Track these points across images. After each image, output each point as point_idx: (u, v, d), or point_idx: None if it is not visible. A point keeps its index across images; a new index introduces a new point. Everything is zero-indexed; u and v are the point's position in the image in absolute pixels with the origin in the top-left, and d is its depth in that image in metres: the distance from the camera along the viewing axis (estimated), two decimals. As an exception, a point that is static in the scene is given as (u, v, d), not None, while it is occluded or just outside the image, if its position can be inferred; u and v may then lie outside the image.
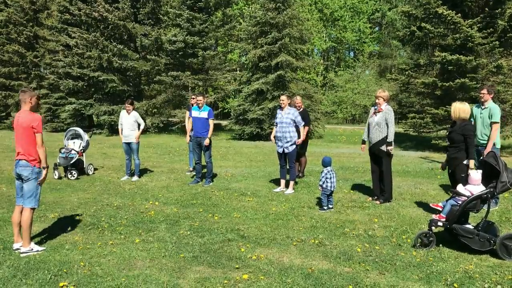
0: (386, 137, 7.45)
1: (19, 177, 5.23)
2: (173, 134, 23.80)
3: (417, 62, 18.18)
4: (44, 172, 5.28)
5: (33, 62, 27.40)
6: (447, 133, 6.91)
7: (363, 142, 8.06)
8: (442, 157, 13.85)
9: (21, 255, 5.06)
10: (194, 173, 10.51)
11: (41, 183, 5.31)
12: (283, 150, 8.56)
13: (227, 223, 6.47)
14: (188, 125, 10.09)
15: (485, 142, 7.29)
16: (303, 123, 8.73)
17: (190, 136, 10.29)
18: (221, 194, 8.52)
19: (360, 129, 29.89)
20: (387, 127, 7.44)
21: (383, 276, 4.50)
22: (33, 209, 5.23)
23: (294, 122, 8.50)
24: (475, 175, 5.42)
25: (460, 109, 6.46)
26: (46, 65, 27.52)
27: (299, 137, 8.89)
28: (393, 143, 7.49)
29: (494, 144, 7.25)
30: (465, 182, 5.61)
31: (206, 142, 9.18)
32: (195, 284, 4.32)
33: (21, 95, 5.25)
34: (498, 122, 7.22)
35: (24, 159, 5.16)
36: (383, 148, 7.49)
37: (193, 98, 10.73)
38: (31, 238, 5.33)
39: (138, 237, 5.79)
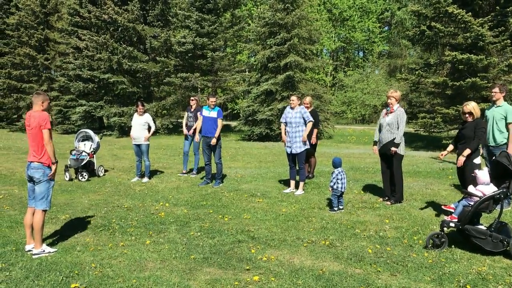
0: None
1: (31, 179, 5.28)
2: (183, 135, 23.83)
3: (427, 62, 18.07)
4: (53, 167, 5.31)
5: (44, 65, 27.65)
6: (459, 131, 6.85)
7: (375, 143, 7.97)
8: (453, 157, 13.69)
9: (33, 256, 5.10)
10: (187, 174, 10.68)
11: (51, 178, 5.35)
12: (291, 151, 8.53)
13: (237, 224, 6.47)
14: (198, 124, 9.99)
15: (497, 143, 7.22)
16: (311, 119, 8.55)
17: (188, 135, 10.78)
18: (231, 195, 8.52)
19: (370, 129, 29.75)
20: (398, 128, 7.38)
21: (395, 278, 4.47)
22: (44, 211, 5.27)
23: (304, 120, 8.46)
24: (482, 174, 5.39)
25: (477, 107, 6.64)
26: (56, 68, 27.76)
27: (311, 135, 8.88)
28: (400, 145, 7.42)
29: (498, 140, 7.21)
30: (475, 181, 5.56)
31: (213, 142, 9.19)
32: (206, 285, 4.32)
33: (35, 96, 5.33)
34: None
35: (36, 161, 5.20)
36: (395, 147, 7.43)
37: (192, 100, 10.79)
38: (43, 240, 5.37)
39: (148, 238, 5.81)
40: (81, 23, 24.85)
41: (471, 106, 6.61)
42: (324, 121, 21.43)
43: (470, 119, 6.63)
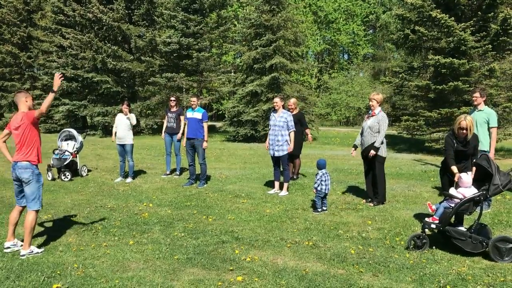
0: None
1: (18, 179, 5.19)
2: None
3: (411, 65, 18.26)
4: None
5: (27, 63, 27.29)
6: (457, 147, 6.07)
7: (354, 146, 8.06)
8: (435, 159, 13.92)
9: (21, 257, 5.02)
10: (170, 175, 10.65)
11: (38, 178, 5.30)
12: (274, 153, 8.57)
13: (221, 225, 6.48)
14: (185, 128, 9.93)
15: (482, 148, 7.34)
16: (293, 129, 8.56)
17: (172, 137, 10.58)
18: (215, 196, 8.52)
19: (354, 131, 29.97)
20: (379, 132, 7.47)
21: (377, 278, 4.52)
22: (37, 211, 5.21)
23: (287, 125, 8.50)
24: (466, 177, 5.48)
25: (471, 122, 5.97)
26: (39, 66, 27.43)
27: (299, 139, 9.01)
28: (381, 148, 7.50)
29: (483, 144, 7.32)
30: (456, 184, 5.65)
31: (204, 145, 9.23)
32: (189, 286, 4.32)
33: (17, 96, 5.28)
34: (496, 127, 7.30)
35: (23, 161, 5.12)
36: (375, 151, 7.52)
37: (173, 100, 10.54)
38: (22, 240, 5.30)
39: (132, 239, 5.78)
40: (65, 22, 24.59)
41: (469, 120, 5.88)
42: (309, 123, 21.47)
43: (469, 135, 5.96)
